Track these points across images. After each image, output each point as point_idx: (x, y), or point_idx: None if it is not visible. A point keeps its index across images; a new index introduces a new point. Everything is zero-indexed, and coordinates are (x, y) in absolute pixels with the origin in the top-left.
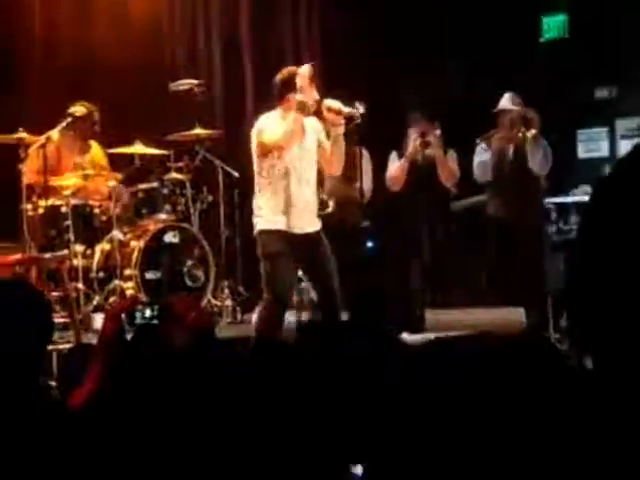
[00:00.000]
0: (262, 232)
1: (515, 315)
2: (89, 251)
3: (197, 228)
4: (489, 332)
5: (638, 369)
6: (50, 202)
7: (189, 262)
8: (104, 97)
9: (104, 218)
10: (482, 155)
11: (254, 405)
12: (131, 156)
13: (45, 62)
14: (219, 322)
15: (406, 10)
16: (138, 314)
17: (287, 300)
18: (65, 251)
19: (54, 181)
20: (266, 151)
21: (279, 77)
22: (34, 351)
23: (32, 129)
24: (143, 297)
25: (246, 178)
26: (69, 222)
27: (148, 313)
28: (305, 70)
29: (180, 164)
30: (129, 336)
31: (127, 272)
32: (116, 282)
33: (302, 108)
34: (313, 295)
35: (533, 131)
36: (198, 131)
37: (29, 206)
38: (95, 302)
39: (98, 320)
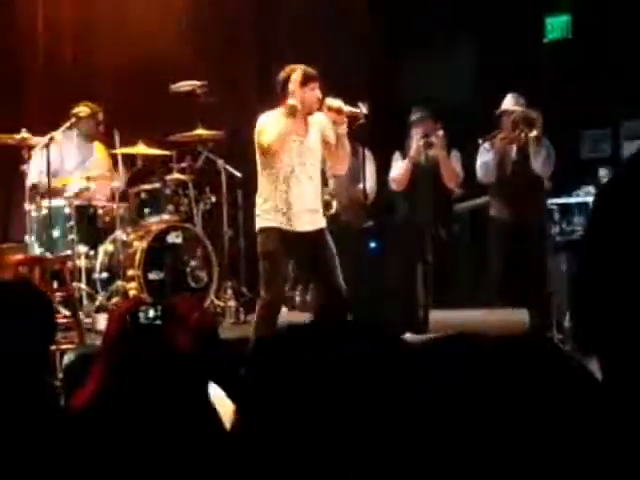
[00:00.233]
0: (261, 230)
1: (518, 316)
2: (92, 252)
3: (200, 229)
4: (484, 333)
5: None
6: (53, 203)
7: (192, 263)
8: (106, 98)
9: (107, 219)
10: (485, 156)
11: (257, 405)
12: (134, 157)
13: (48, 63)
14: (222, 323)
15: (409, 9)
16: (141, 315)
17: (281, 299)
18: (68, 252)
19: (57, 182)
20: (264, 151)
21: (281, 75)
22: (37, 351)
23: (35, 130)
24: (146, 298)
25: (249, 178)
26: (72, 223)
27: (151, 314)
28: (298, 75)
29: (183, 165)
30: (132, 337)
31: (130, 273)
32: (119, 283)
33: (293, 112)
34: (315, 295)
35: (536, 132)
36: (200, 132)
37: (32, 206)
38: (98, 302)
39: (101, 321)
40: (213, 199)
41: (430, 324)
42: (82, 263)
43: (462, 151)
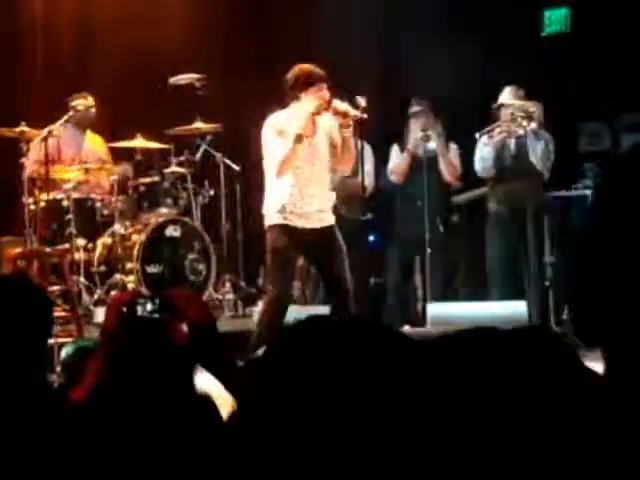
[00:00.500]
0: (270, 227)
1: (516, 308)
2: (91, 245)
3: (198, 222)
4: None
5: None
6: (52, 196)
7: (190, 256)
8: (105, 91)
9: (106, 212)
10: (483, 149)
11: (257, 402)
12: (132, 150)
13: (46, 56)
14: (221, 316)
15: (407, 2)
16: (139, 308)
17: (289, 295)
18: (66, 245)
19: (55, 173)
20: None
21: (292, 74)
22: (34, 347)
23: (33, 123)
24: (144, 291)
25: (247, 172)
26: (71, 216)
27: (149, 307)
28: (306, 75)
29: (181, 158)
30: (130, 330)
31: (128, 266)
32: (117, 276)
33: (299, 140)
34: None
35: (534, 125)
36: (199, 125)
37: (31, 200)
38: (97, 296)
39: (100, 314)
40: (211, 192)
41: (428, 317)
42: (81, 256)
43: (460, 144)
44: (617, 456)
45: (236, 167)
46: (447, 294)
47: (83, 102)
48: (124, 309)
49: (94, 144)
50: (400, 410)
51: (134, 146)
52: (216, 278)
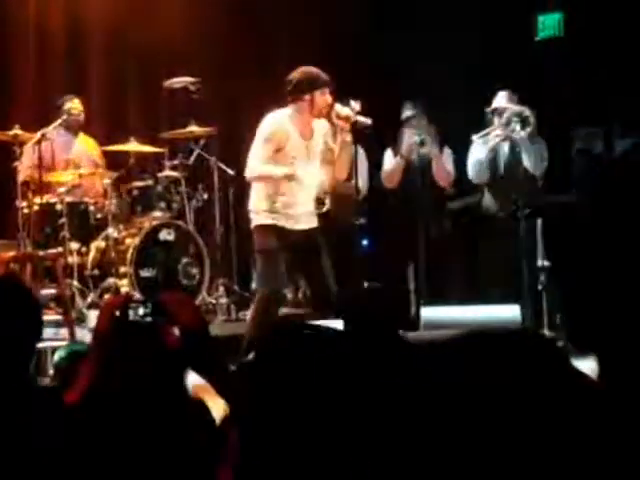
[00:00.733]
0: (258, 227)
1: (510, 312)
2: (84, 248)
3: (192, 226)
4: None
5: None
6: (45, 199)
7: (184, 260)
8: (99, 94)
9: (99, 216)
10: (477, 153)
11: (252, 403)
12: (126, 154)
13: (39, 59)
14: (214, 320)
15: (401, 7)
16: (131, 312)
17: (282, 295)
18: (60, 248)
19: (49, 177)
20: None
21: (295, 76)
22: (23, 349)
23: (26, 126)
24: (138, 295)
25: (241, 176)
26: (64, 219)
27: (141, 311)
28: (309, 78)
29: (175, 162)
30: (123, 334)
31: (122, 270)
32: (111, 280)
33: (289, 179)
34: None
35: (528, 129)
36: (193, 129)
37: (24, 203)
38: (90, 300)
39: (93, 317)
40: (205, 196)
41: (422, 321)
42: (74, 260)
43: (454, 149)
44: (609, 456)
45: (230, 171)
46: (440, 298)
47: (75, 105)
48: (117, 313)
49: (87, 147)
50: (394, 410)
51: (128, 150)
52: (209, 282)
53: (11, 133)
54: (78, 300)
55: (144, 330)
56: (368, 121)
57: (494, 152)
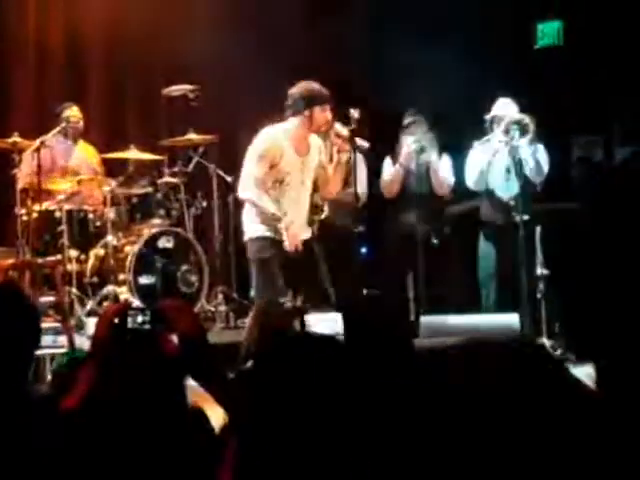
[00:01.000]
0: (253, 239)
1: (509, 321)
2: (83, 256)
3: (191, 233)
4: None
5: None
6: (44, 207)
7: (183, 267)
8: (98, 102)
9: (98, 223)
10: (476, 160)
11: (251, 411)
12: (125, 161)
13: (38, 66)
14: (212, 327)
15: (399, 13)
16: (130, 319)
17: (279, 304)
18: (59, 256)
19: (48, 184)
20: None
21: (295, 91)
22: (21, 356)
23: (25, 134)
24: (137, 302)
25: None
26: (63, 227)
27: (140, 318)
28: (310, 94)
29: (174, 169)
30: (121, 341)
31: (121, 277)
32: (110, 287)
33: (276, 219)
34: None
35: (528, 137)
36: (192, 136)
37: (23, 211)
38: (89, 307)
39: (92, 325)
40: (204, 204)
41: (421, 329)
42: (73, 267)
43: (453, 156)
44: (606, 463)
45: (229, 178)
46: (440, 306)
47: (74, 113)
48: (116, 320)
49: (87, 154)
50: (393, 417)
51: (127, 157)
52: (208, 289)
53: (10, 140)
54: (77, 307)
55: (143, 337)
56: (366, 144)
57: (492, 160)
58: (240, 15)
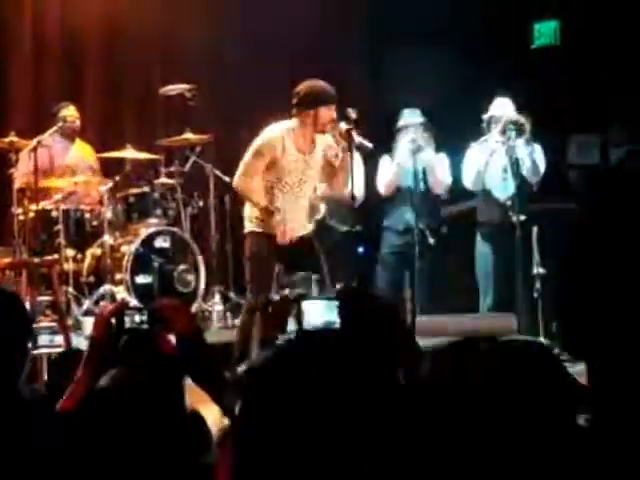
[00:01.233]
0: (250, 234)
1: (506, 320)
2: (80, 255)
3: (188, 233)
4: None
5: (633, 373)
6: (41, 206)
7: (180, 267)
8: (95, 101)
9: (95, 223)
10: (473, 160)
11: (249, 411)
12: (122, 161)
13: (35, 65)
14: (209, 327)
15: (395, 13)
16: (127, 319)
17: (271, 302)
18: (55, 255)
19: (44, 183)
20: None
21: (301, 90)
22: (14, 357)
23: (22, 133)
24: (134, 302)
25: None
26: (60, 226)
27: (138, 318)
28: (316, 93)
29: (171, 169)
30: (118, 341)
31: (118, 277)
32: (107, 287)
33: (267, 212)
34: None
35: (524, 137)
36: (189, 136)
37: (20, 210)
38: (85, 306)
39: (88, 324)
40: (201, 203)
41: (417, 329)
42: (69, 267)
43: (450, 156)
44: (595, 460)
45: (226, 178)
46: (436, 306)
47: (70, 113)
48: (113, 320)
49: (83, 154)
50: (390, 417)
51: (124, 157)
52: (205, 289)
53: (7, 140)
54: (74, 307)
55: (140, 337)
56: (370, 145)
57: (490, 160)
58: (238, 14)
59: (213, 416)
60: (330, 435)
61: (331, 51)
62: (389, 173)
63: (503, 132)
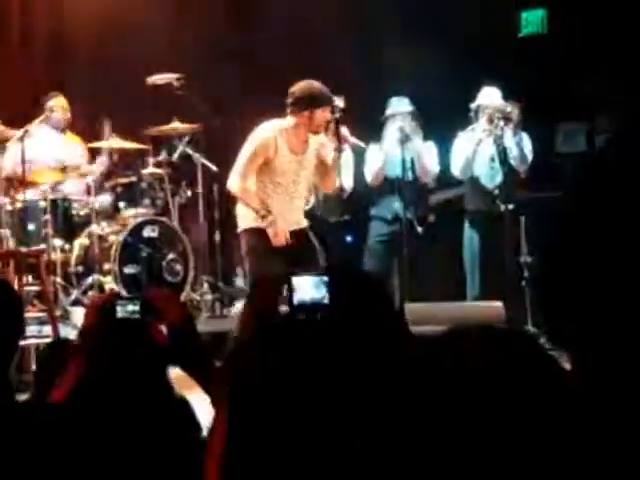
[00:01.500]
0: (246, 230)
1: (494, 309)
2: (68, 245)
3: (176, 222)
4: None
5: (616, 364)
6: (28, 196)
7: (168, 256)
8: (82, 90)
9: (83, 212)
10: (462, 148)
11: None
12: (110, 150)
13: (22, 55)
14: (198, 316)
15: (386, 2)
16: (119, 308)
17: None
18: (43, 245)
19: (33, 173)
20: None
21: (297, 90)
22: (4, 347)
23: (9, 123)
24: (122, 291)
25: (225, 172)
26: (47, 216)
27: (130, 307)
28: (312, 94)
29: (159, 158)
30: (110, 330)
31: (106, 266)
32: (95, 276)
33: (262, 217)
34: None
35: (512, 125)
36: (177, 125)
37: (7, 200)
38: (73, 296)
39: (77, 314)
40: (189, 193)
41: (405, 317)
42: (57, 257)
43: (438, 145)
44: (586, 453)
45: (214, 167)
46: (424, 295)
47: (59, 103)
48: (103, 310)
49: (71, 143)
50: (380, 400)
51: (111, 146)
52: (194, 278)
53: None
54: (62, 297)
55: (132, 327)
56: (361, 144)
57: (478, 149)
58: (228, 4)
59: (203, 405)
60: (320, 416)
61: (322, 40)
62: (377, 162)
63: (490, 121)
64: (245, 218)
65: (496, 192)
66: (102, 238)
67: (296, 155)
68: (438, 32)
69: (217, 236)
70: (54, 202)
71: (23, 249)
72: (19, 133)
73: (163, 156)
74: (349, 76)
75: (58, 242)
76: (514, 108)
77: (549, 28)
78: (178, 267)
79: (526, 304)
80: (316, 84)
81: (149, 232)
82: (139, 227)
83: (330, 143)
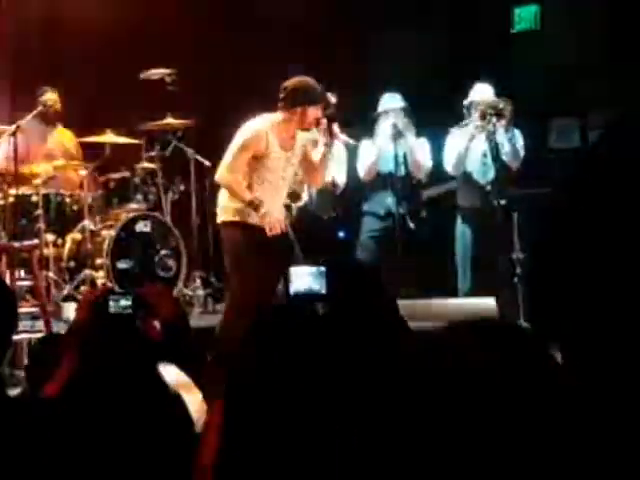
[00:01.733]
0: (226, 223)
1: (486, 305)
2: (60, 240)
3: (169, 218)
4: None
5: (605, 358)
6: (21, 191)
7: (161, 252)
8: (74, 86)
9: (75, 207)
10: (454, 144)
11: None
12: (102, 145)
13: (14, 50)
14: (191, 312)
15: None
16: (112, 304)
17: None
18: (36, 240)
19: (24, 168)
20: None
21: (290, 86)
22: None
23: (1, 118)
24: (115, 286)
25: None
26: (40, 211)
27: (123, 303)
28: (304, 90)
29: (152, 153)
30: (103, 325)
31: (98, 261)
32: (87, 271)
33: (254, 207)
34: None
35: (504, 121)
36: (170, 120)
37: None
38: (66, 291)
39: (69, 309)
40: (182, 188)
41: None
42: (50, 252)
43: (430, 141)
44: (577, 449)
45: (207, 163)
46: (416, 290)
47: (52, 97)
48: (96, 305)
49: (64, 138)
50: (376, 398)
51: (104, 141)
52: (186, 274)
53: None
54: (54, 292)
55: (124, 322)
56: (351, 141)
57: (470, 145)
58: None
59: (195, 400)
60: (317, 413)
61: (316, 34)
62: (370, 158)
63: (483, 117)
64: (225, 210)
65: (488, 188)
66: (95, 233)
67: (285, 152)
68: (429, 28)
69: (210, 231)
70: (46, 197)
71: (15, 244)
72: (11, 128)
73: (156, 151)
74: (340, 72)
75: (50, 237)
76: (506, 104)
77: (542, 24)
78: (170, 262)
79: (518, 301)
80: (309, 81)
81: (142, 227)
82: (132, 222)
83: (321, 138)
